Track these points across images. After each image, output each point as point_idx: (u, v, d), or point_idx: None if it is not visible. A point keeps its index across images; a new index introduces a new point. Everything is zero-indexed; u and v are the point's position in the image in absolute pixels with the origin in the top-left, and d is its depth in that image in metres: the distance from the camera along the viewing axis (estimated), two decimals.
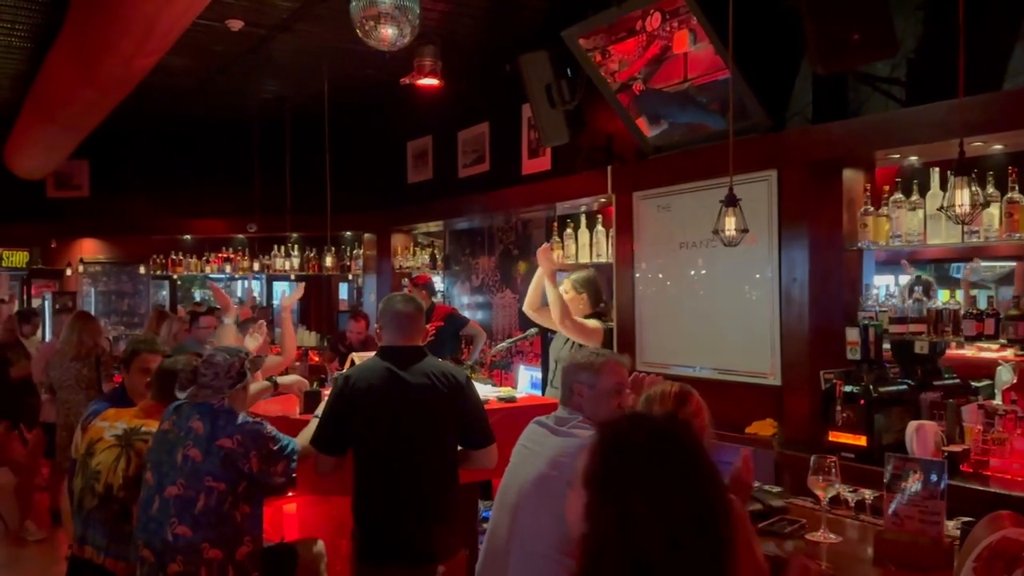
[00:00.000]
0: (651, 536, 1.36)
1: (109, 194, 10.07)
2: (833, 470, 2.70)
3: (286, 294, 5.71)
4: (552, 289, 4.98)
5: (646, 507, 1.37)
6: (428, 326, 3.79)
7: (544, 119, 5.83)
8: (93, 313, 10.09)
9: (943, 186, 3.83)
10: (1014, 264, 6.17)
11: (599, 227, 5.96)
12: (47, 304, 10.25)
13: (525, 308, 5.38)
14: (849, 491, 2.94)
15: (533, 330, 5.29)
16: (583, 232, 6.08)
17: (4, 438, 6.31)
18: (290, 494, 3.66)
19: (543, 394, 5.06)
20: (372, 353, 3.38)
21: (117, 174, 10.01)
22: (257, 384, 3.72)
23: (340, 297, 11.52)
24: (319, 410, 3.40)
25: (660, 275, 5.30)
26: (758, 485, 3.25)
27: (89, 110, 6.53)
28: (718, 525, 1.40)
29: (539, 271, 5.14)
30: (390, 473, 3.08)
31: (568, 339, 5.02)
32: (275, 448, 2.97)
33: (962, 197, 3.03)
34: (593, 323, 4.98)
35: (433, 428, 3.13)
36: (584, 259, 6.09)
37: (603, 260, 5.91)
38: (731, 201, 3.75)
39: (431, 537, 3.07)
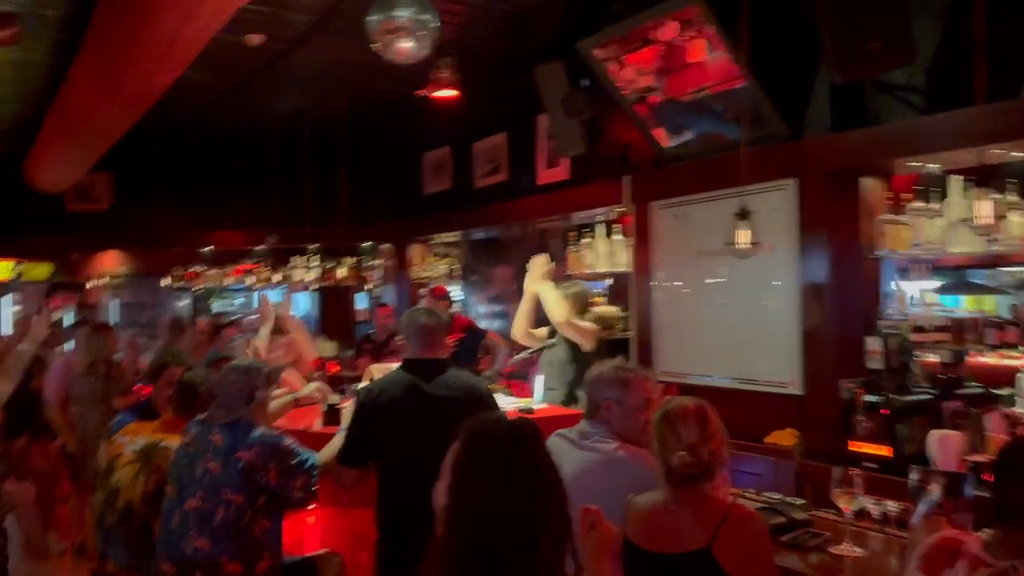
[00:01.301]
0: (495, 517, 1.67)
1: (130, 207, 10.14)
2: (857, 482, 2.68)
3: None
4: (552, 293, 5.11)
5: (494, 494, 1.70)
6: (448, 338, 3.82)
7: (560, 129, 5.84)
8: (115, 325, 10.18)
9: (963, 194, 3.81)
10: None
11: (616, 236, 5.95)
12: (68, 317, 10.33)
13: (514, 335, 5.49)
14: (873, 503, 2.91)
15: (551, 341, 5.29)
16: (601, 241, 6.07)
17: (25, 450, 6.36)
18: (311, 507, 3.67)
19: (539, 396, 5.13)
20: (394, 365, 3.40)
21: (137, 187, 10.08)
22: (277, 401, 3.74)
23: (358, 307, 11.56)
24: (344, 422, 3.43)
25: (678, 284, 5.29)
26: (780, 497, 3.23)
27: (110, 125, 6.59)
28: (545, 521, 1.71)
29: (527, 297, 5.28)
30: (414, 485, 3.08)
31: (554, 343, 5.13)
32: (294, 462, 2.98)
33: (985, 208, 3.00)
34: (588, 324, 5.09)
35: (452, 439, 3.13)
36: (602, 269, 6.09)
37: (621, 269, 5.91)
38: (742, 214, 3.74)
39: None
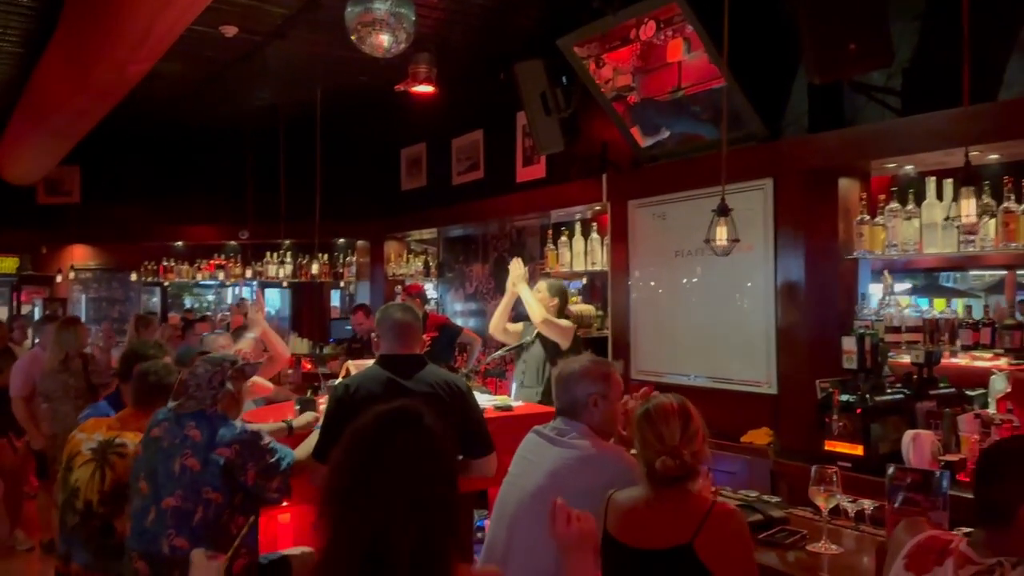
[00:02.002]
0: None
1: (100, 200, 10.01)
2: (835, 480, 2.69)
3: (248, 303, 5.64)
4: (528, 293, 5.13)
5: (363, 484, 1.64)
6: (424, 336, 3.78)
7: (539, 127, 5.84)
8: (84, 320, 10.03)
9: (939, 195, 3.85)
10: (1004, 273, 6.20)
11: (594, 235, 5.96)
12: (37, 311, 10.18)
13: (492, 331, 5.48)
14: (848, 501, 2.92)
15: (528, 339, 5.29)
16: (578, 240, 6.07)
17: None
18: (284, 504, 3.62)
19: (513, 394, 5.12)
20: (370, 361, 3.37)
21: (109, 180, 9.95)
22: (269, 425, 3.63)
23: (332, 304, 11.49)
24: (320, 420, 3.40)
25: (655, 283, 5.30)
26: (757, 495, 3.25)
27: (81, 116, 6.49)
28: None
29: (508, 295, 5.28)
30: None
31: (531, 341, 5.13)
32: (272, 461, 2.94)
33: (969, 207, 3.02)
34: (566, 321, 5.13)
35: None
36: (579, 267, 6.09)
37: (598, 268, 5.91)
38: (723, 211, 3.75)
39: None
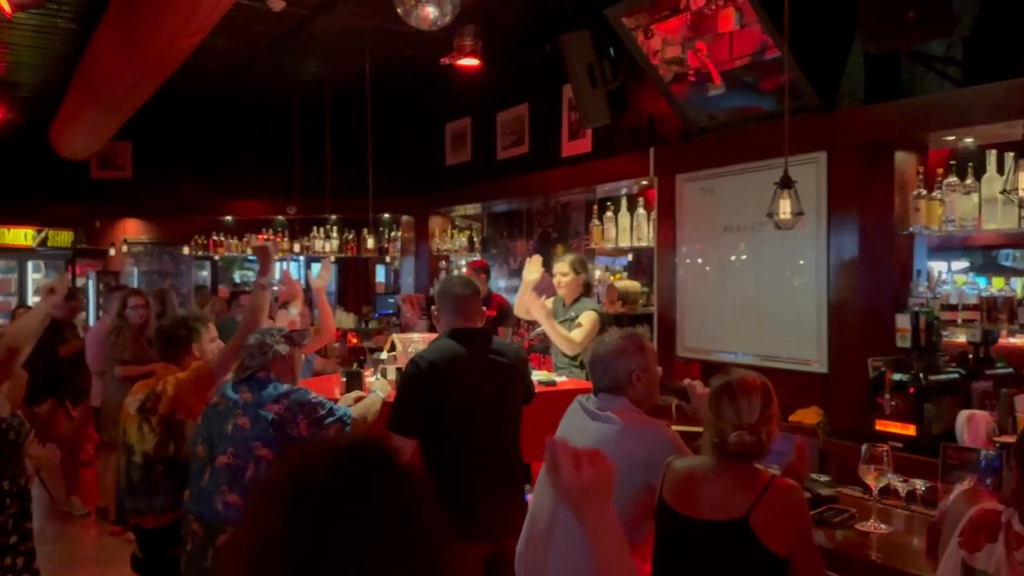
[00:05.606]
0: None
1: (152, 175, 10.19)
2: (886, 459, 2.63)
3: (312, 275, 5.76)
4: (550, 326, 4.82)
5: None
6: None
7: (585, 100, 5.76)
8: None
9: (1000, 169, 3.72)
10: None
11: (640, 210, 5.89)
12: (91, 284, 10.43)
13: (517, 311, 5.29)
14: (899, 481, 2.86)
15: (573, 313, 5.26)
16: (623, 215, 6.01)
17: (51, 414, 6.43)
18: None
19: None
20: (416, 335, 3.39)
21: (160, 155, 10.13)
22: (364, 403, 3.62)
23: (377, 280, 11.58)
24: (380, 389, 3.50)
25: (702, 259, 5.22)
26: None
27: (133, 91, 6.58)
28: None
29: (524, 282, 5.00)
30: (477, 452, 3.11)
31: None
32: (323, 412, 3.02)
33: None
34: (593, 316, 4.93)
35: (512, 404, 3.27)
36: (624, 243, 6.03)
37: (644, 244, 5.85)
38: (786, 183, 3.66)
39: (511, 510, 3.18)
